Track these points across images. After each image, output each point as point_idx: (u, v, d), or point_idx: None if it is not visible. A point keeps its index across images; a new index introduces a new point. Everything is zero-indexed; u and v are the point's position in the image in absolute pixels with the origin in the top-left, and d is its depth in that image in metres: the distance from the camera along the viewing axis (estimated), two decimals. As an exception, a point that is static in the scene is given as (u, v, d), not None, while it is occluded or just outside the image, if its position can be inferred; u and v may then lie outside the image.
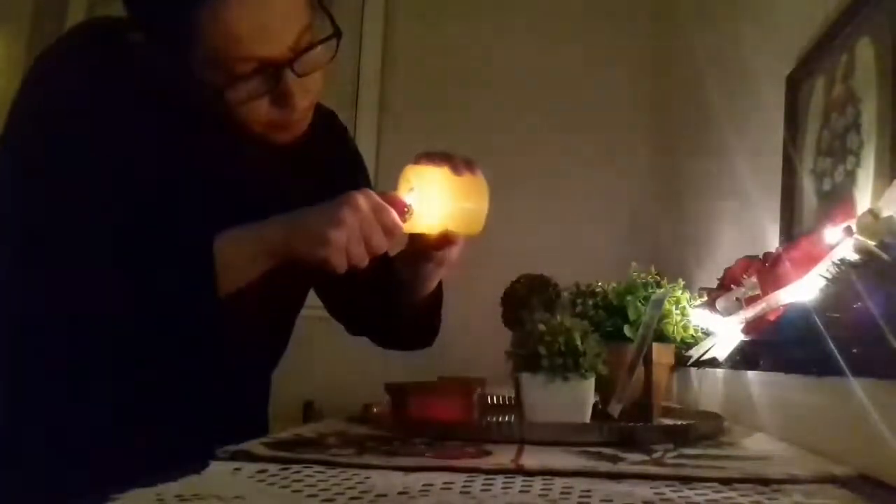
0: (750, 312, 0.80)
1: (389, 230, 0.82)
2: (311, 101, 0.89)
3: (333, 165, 1.07)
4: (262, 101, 0.83)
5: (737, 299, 0.86)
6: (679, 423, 0.82)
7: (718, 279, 1.00)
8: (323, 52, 0.87)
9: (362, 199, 0.81)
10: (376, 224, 0.81)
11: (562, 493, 0.47)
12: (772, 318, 0.75)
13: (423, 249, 0.94)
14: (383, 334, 1.13)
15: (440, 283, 1.04)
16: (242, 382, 0.97)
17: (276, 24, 0.80)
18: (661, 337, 0.89)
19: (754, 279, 0.84)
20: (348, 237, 0.79)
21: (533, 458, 0.59)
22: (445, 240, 0.90)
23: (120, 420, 0.83)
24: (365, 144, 2.32)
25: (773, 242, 1.07)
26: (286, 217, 0.83)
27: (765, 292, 0.80)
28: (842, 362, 0.56)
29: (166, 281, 0.79)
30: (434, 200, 0.87)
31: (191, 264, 0.80)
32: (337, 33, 0.87)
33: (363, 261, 0.81)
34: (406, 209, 0.84)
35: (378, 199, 0.82)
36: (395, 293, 1.02)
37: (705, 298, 0.95)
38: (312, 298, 1.12)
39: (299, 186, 0.97)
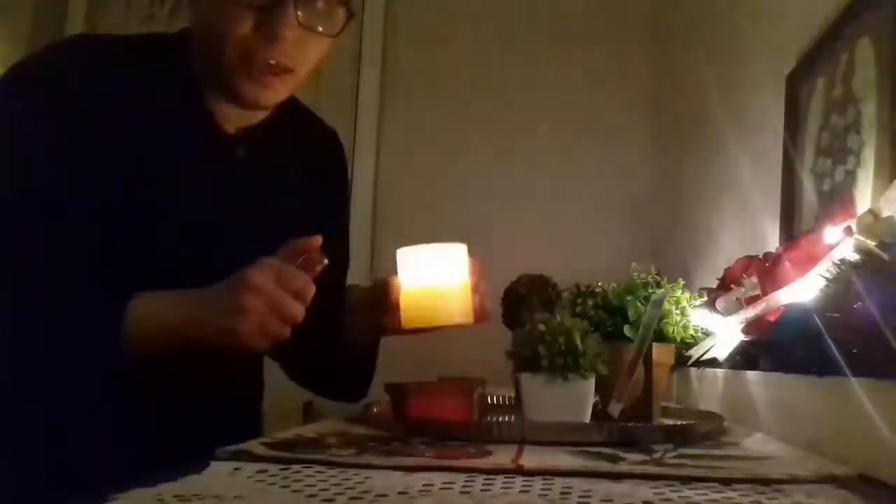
0: (750, 312, 0.80)
1: (301, 295, 0.79)
2: (301, 64, 0.86)
3: (326, 187, 1.08)
4: (249, 14, 0.81)
5: (737, 299, 0.86)
6: (679, 423, 0.82)
7: (718, 279, 1.00)
8: (328, 20, 0.85)
9: (261, 278, 0.77)
10: (284, 295, 0.78)
11: (562, 493, 0.47)
12: (772, 318, 0.75)
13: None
14: (318, 380, 1.11)
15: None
16: (231, 383, 0.97)
17: None
18: (661, 337, 0.89)
19: (754, 279, 0.84)
20: (256, 321, 0.77)
21: (533, 458, 0.59)
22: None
23: (105, 422, 0.83)
24: (364, 145, 2.32)
25: (773, 242, 1.07)
26: (191, 305, 0.80)
27: (765, 292, 0.80)
28: (842, 362, 0.56)
29: (75, 343, 0.79)
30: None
31: (98, 331, 0.79)
32: (349, 11, 0.86)
33: (284, 333, 0.79)
34: (318, 258, 0.81)
35: (279, 266, 0.79)
36: (336, 339, 1.00)
37: (705, 298, 0.95)
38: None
39: (288, 202, 0.99)
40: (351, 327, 1.02)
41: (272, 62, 0.84)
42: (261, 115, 0.96)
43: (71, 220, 0.82)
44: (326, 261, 0.81)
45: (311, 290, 0.80)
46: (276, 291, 0.78)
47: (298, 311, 0.79)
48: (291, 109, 0.99)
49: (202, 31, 0.89)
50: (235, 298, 0.77)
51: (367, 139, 2.33)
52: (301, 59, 0.86)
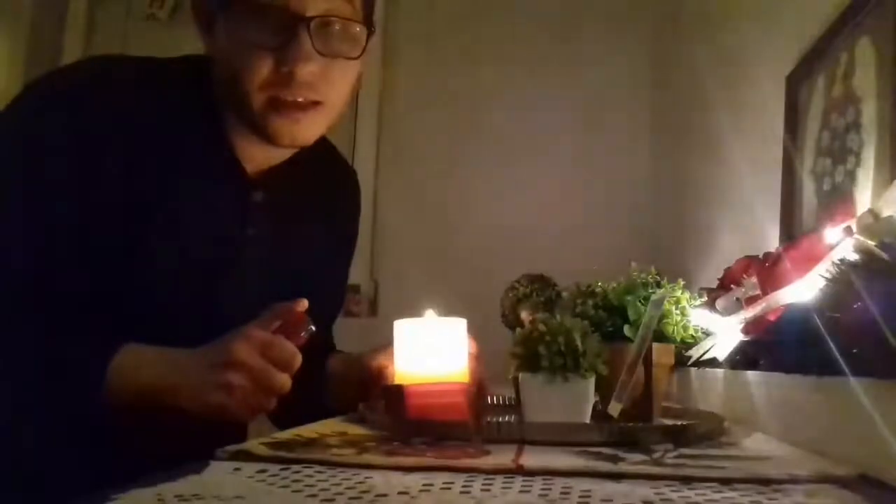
0: (750, 312, 0.80)
1: (287, 365, 0.77)
2: (329, 94, 0.83)
3: (340, 236, 1.06)
4: (266, 56, 0.79)
5: (737, 299, 0.86)
6: (679, 423, 0.82)
7: (718, 279, 1.00)
8: (346, 42, 0.82)
9: (244, 352, 0.75)
10: (269, 368, 0.76)
11: (562, 493, 0.47)
12: (772, 318, 0.75)
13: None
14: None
15: None
16: None
17: None
18: (661, 337, 0.89)
19: (754, 279, 0.84)
20: (241, 396, 0.75)
21: (533, 458, 0.59)
22: None
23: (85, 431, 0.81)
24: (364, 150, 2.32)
25: (773, 242, 1.07)
26: (172, 370, 0.78)
27: (765, 292, 0.80)
28: (842, 362, 0.56)
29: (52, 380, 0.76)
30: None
31: (78, 379, 0.76)
32: (369, 27, 0.83)
33: (269, 405, 0.77)
34: (304, 324, 0.78)
35: (263, 336, 0.77)
36: (316, 392, 0.96)
37: (705, 298, 0.95)
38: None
39: (300, 250, 0.96)
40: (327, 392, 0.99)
41: (299, 99, 0.81)
42: (287, 154, 0.92)
43: (73, 249, 0.79)
44: (313, 327, 0.79)
45: (298, 360, 0.78)
46: (261, 365, 0.75)
47: (284, 382, 0.77)
48: (314, 149, 0.93)
49: (224, 72, 0.84)
50: (219, 375, 0.75)
51: (367, 139, 2.34)
52: (327, 89, 0.83)
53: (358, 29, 0.83)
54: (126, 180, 0.81)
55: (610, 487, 0.48)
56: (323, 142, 0.95)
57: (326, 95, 0.83)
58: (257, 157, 0.90)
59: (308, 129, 0.85)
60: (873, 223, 0.64)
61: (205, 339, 0.81)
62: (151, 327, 0.81)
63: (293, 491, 0.47)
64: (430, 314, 0.82)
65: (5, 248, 0.78)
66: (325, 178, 1.02)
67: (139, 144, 0.82)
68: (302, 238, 0.97)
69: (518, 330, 0.80)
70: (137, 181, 0.82)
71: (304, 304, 0.80)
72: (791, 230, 1.04)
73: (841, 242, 0.67)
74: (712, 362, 0.90)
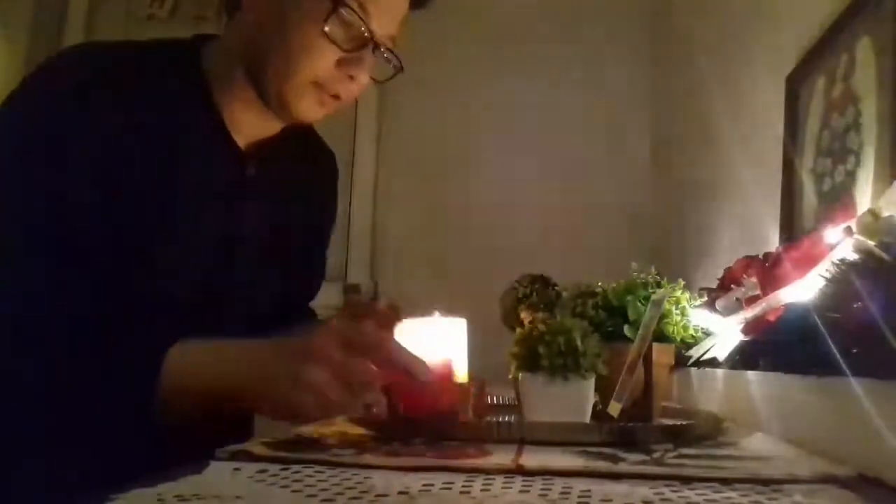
0: (750, 312, 0.80)
1: (374, 349, 0.69)
2: (353, 97, 0.91)
3: (324, 210, 1.09)
4: (332, 53, 0.85)
5: (737, 299, 0.86)
6: (679, 423, 0.82)
7: (718, 279, 1.00)
8: (382, 65, 0.92)
9: (330, 344, 0.68)
10: (353, 361, 0.68)
11: (562, 493, 0.47)
12: (772, 318, 0.75)
13: None
14: None
15: None
16: None
17: (400, 12, 0.90)
18: (661, 337, 0.89)
19: (754, 279, 0.84)
20: (319, 396, 0.67)
21: (533, 458, 0.59)
22: None
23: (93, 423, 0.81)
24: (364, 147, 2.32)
25: (773, 242, 1.07)
26: (242, 372, 0.71)
27: (765, 292, 0.80)
28: (842, 362, 0.56)
29: (104, 389, 0.72)
30: None
31: (133, 390, 0.71)
32: (399, 66, 0.92)
33: (351, 405, 0.69)
34: (392, 317, 0.73)
35: (346, 327, 0.70)
36: None
37: (705, 298, 0.95)
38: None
39: (294, 223, 1.00)
40: None
41: (341, 95, 0.89)
42: (276, 128, 0.95)
43: (77, 233, 0.78)
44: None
45: (389, 342, 0.70)
46: (343, 362, 0.67)
47: (369, 371, 0.68)
48: (296, 127, 0.98)
49: (263, 48, 0.87)
50: (298, 370, 0.67)
51: (367, 139, 2.34)
52: (356, 94, 0.92)
53: (394, 60, 0.92)
54: (129, 162, 0.82)
55: (610, 487, 0.48)
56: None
57: (350, 97, 0.92)
58: (245, 130, 0.93)
59: (324, 114, 0.92)
60: (873, 223, 0.64)
61: (204, 317, 0.82)
62: (152, 307, 0.81)
63: (293, 491, 0.47)
64: (436, 316, 0.82)
65: (30, 250, 0.77)
66: (307, 154, 1.06)
67: (139, 125, 0.83)
68: (291, 213, 1.00)
69: (518, 330, 0.80)
70: (139, 162, 0.83)
71: (397, 304, 0.82)
72: (791, 230, 1.04)
73: (841, 242, 0.67)
74: (712, 362, 0.90)
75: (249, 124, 0.93)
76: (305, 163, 1.05)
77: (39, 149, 0.79)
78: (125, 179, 0.82)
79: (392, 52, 0.91)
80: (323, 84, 0.87)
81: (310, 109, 0.89)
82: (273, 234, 0.96)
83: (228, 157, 0.92)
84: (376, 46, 0.87)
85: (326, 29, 0.83)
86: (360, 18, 0.85)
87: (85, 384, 0.72)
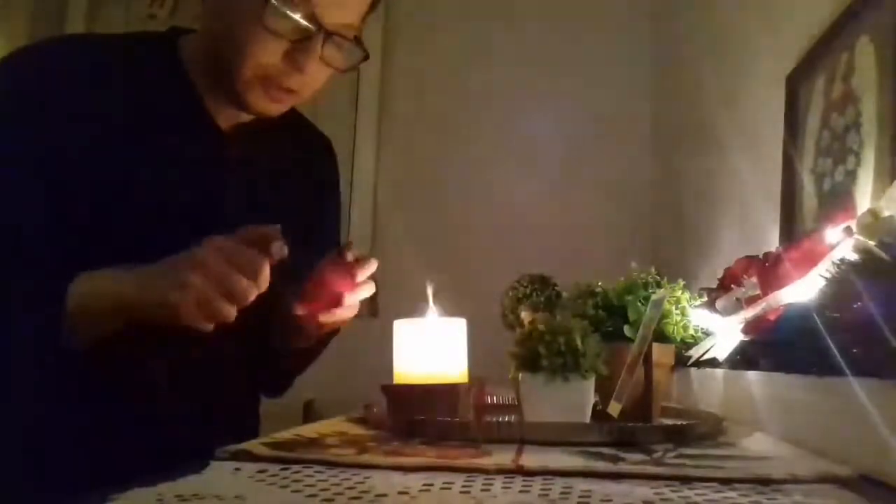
0: (750, 312, 0.80)
1: (254, 272, 0.76)
2: (309, 89, 0.90)
3: (316, 190, 1.08)
4: (278, 45, 0.84)
5: (737, 299, 0.86)
6: (679, 423, 0.82)
7: (718, 279, 1.00)
8: (343, 56, 0.90)
9: (210, 253, 0.75)
10: (234, 273, 0.75)
11: (562, 493, 0.47)
12: (772, 318, 0.75)
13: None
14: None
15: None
16: (220, 382, 0.96)
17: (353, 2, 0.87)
18: (661, 337, 0.89)
19: (754, 279, 0.84)
20: (199, 298, 0.74)
21: (533, 458, 0.59)
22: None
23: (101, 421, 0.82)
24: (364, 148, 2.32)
25: (773, 242, 1.07)
26: (139, 275, 0.78)
27: (765, 292, 0.80)
28: (842, 362, 0.56)
29: (15, 326, 0.78)
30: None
31: (39, 314, 0.77)
32: (364, 53, 0.90)
33: (230, 315, 0.76)
34: (276, 247, 0.77)
35: (233, 244, 0.77)
36: (275, 334, 0.96)
37: (705, 298, 0.95)
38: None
39: (277, 204, 0.99)
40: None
41: (292, 88, 0.88)
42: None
43: (50, 213, 0.82)
44: (286, 251, 0.78)
45: (265, 270, 0.77)
46: (223, 267, 0.75)
47: (250, 289, 0.76)
48: (285, 117, 0.98)
49: (216, 41, 0.89)
50: (178, 273, 0.75)
51: (367, 139, 2.34)
52: (311, 85, 0.91)
53: (357, 50, 0.90)
54: (104, 143, 0.85)
55: (610, 487, 0.48)
56: (293, 112, 1.01)
57: (308, 89, 0.91)
58: (228, 115, 0.95)
59: (282, 108, 0.92)
60: (873, 223, 0.63)
61: None
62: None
63: (293, 491, 0.47)
64: (436, 315, 0.82)
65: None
66: (300, 138, 1.07)
67: (115, 106, 0.87)
68: (280, 194, 1.00)
69: (518, 330, 0.80)
70: (115, 142, 0.86)
71: (276, 228, 0.80)
72: (791, 230, 1.04)
73: (841, 242, 0.67)
74: (712, 362, 0.90)
75: (229, 111, 0.94)
76: (297, 147, 1.06)
77: (20, 110, 0.83)
78: (100, 146, 0.84)
79: (353, 40, 0.89)
80: (271, 77, 0.87)
81: (260, 103, 0.89)
82: (258, 214, 0.93)
83: (207, 137, 0.93)
84: (328, 35, 0.85)
85: (266, 21, 0.82)
86: (301, 8, 0.83)
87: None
